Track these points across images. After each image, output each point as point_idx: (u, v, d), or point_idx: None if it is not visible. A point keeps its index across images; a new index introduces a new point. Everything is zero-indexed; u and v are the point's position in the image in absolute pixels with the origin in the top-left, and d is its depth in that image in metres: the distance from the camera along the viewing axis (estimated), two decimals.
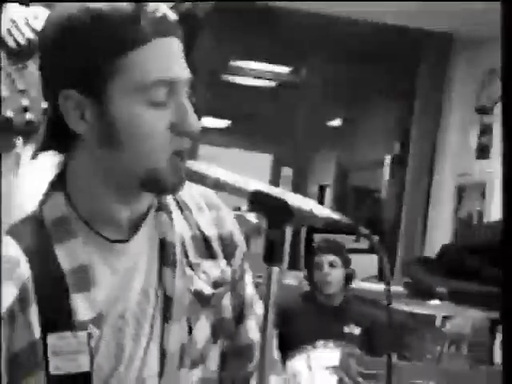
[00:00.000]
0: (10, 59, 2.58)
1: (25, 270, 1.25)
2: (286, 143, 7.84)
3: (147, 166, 1.25)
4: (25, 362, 1.25)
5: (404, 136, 6.71)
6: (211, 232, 1.46)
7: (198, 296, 1.41)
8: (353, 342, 3.94)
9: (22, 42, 2.54)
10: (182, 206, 1.44)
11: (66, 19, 1.23)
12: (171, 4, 2.60)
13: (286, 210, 1.23)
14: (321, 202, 10.67)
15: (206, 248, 1.45)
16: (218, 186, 1.30)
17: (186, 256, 1.41)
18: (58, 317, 1.26)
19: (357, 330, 4.07)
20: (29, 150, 2.54)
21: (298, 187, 7.54)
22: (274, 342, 1.56)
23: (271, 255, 1.21)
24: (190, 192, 1.43)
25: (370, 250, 6.69)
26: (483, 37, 5.82)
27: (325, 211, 1.25)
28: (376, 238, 1.28)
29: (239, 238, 1.52)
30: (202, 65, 5.52)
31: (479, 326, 4.16)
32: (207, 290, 1.42)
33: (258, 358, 1.38)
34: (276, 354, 1.62)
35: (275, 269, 1.21)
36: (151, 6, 1.24)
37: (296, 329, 4.01)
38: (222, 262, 1.47)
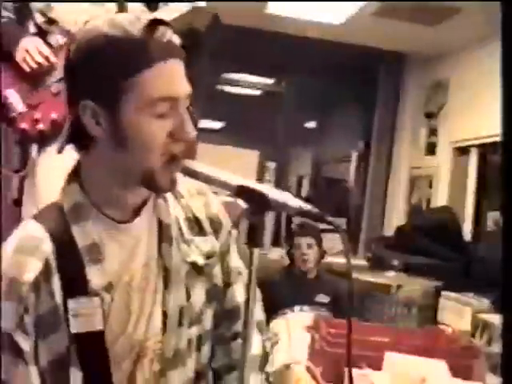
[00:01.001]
0: (26, 81, 2.60)
1: (48, 246, 1.30)
2: (270, 142, 7.85)
3: (145, 168, 1.28)
4: (48, 323, 1.28)
5: (367, 136, 6.73)
6: (201, 214, 1.50)
7: (193, 266, 1.44)
8: (324, 308, 3.98)
9: (34, 66, 2.55)
10: (176, 194, 1.47)
11: (86, 44, 1.26)
12: (174, 20, 2.61)
13: (265, 202, 1.24)
14: (299, 190, 10.68)
15: (197, 227, 1.48)
16: (208, 180, 1.32)
17: (181, 234, 1.44)
18: (75, 285, 1.29)
19: (326, 299, 4.11)
20: (44, 155, 2.56)
21: (281, 178, 7.58)
22: (259, 307, 1.63)
23: (253, 239, 1.23)
24: (183, 182, 1.42)
25: (338, 230, 6.73)
26: (430, 54, 5.85)
27: (297, 203, 1.25)
28: (339, 224, 1.29)
29: (224, 217, 1.55)
30: (200, 76, 5.53)
31: (426, 291, 4.20)
32: (200, 260, 1.46)
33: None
34: (260, 315, 1.65)
35: (256, 250, 1.23)
36: (159, 31, 1.25)
37: (277, 297, 4.02)
38: (211, 238, 1.50)
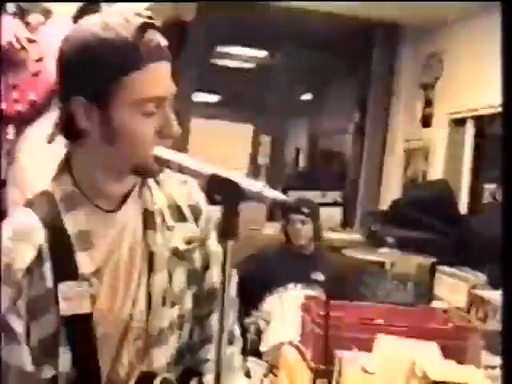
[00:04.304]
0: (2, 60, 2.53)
1: (41, 234, 1.38)
2: (265, 115, 7.80)
3: (136, 160, 1.37)
4: (40, 306, 1.37)
5: (362, 108, 6.65)
6: (182, 202, 1.57)
7: (175, 251, 1.52)
8: (319, 285, 3.91)
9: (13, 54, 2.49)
10: (159, 182, 1.55)
11: (81, 43, 1.33)
12: (160, 10, 2.56)
13: (239, 191, 1.22)
14: (296, 163, 10.62)
15: (178, 214, 1.56)
16: (181, 169, 1.34)
17: (164, 221, 1.52)
18: (66, 270, 1.38)
19: (322, 277, 4.03)
20: (25, 140, 2.50)
21: (276, 151, 7.57)
22: (233, 290, 1.59)
23: (226, 230, 1.19)
24: (166, 172, 1.46)
25: (335, 204, 6.69)
26: (425, 26, 5.76)
27: (272, 193, 1.24)
28: (313, 214, 1.27)
29: (203, 205, 1.61)
30: (194, 50, 5.45)
31: (421, 266, 4.16)
32: (181, 246, 1.54)
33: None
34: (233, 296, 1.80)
35: (230, 243, 1.19)
36: (149, 34, 1.33)
37: (272, 274, 3.99)
38: (192, 224, 1.58)
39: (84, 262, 1.39)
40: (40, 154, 2.43)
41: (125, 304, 1.45)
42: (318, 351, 2.33)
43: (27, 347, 1.38)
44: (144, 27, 1.33)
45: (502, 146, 1.63)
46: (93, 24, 1.35)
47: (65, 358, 1.39)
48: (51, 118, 2.51)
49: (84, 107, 1.34)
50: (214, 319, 1.62)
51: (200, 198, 1.60)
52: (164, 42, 1.36)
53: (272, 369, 3.23)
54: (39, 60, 2.47)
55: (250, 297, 3.80)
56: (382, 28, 6.13)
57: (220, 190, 1.24)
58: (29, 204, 1.44)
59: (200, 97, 8.66)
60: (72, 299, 1.37)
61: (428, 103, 5.73)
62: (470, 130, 5.35)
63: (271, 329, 3.62)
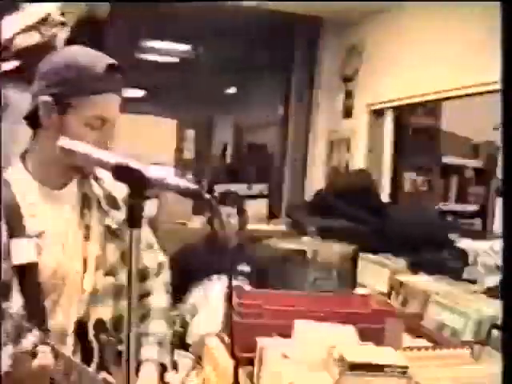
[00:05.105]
0: None
1: None
2: (190, 109, 7.75)
3: (74, 160, 1.64)
4: None
5: (286, 101, 6.68)
6: (118, 194, 1.95)
7: (108, 228, 1.91)
8: (243, 276, 3.94)
9: None
10: (97, 178, 1.94)
11: (62, 61, 1.76)
12: (73, 9, 2.54)
13: (143, 180, 1.28)
14: (223, 156, 10.63)
15: (113, 203, 1.95)
16: (86, 160, 1.52)
17: (100, 205, 1.92)
18: (17, 230, 1.75)
19: (247, 268, 4.06)
20: None
21: (202, 145, 7.55)
22: (167, 273, 2.22)
23: (131, 219, 1.20)
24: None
25: (260, 196, 6.72)
26: (345, 18, 5.83)
27: (177, 180, 1.32)
28: (213, 201, 1.30)
29: None
30: (117, 46, 5.37)
31: (344, 254, 4.22)
32: (113, 225, 1.92)
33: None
34: (168, 279, 2.23)
35: (136, 231, 1.20)
36: (114, 72, 1.76)
37: (197, 266, 3.98)
38: (124, 212, 1.85)
39: (31, 225, 1.77)
40: None
41: (62, 262, 1.81)
42: (239, 339, 2.35)
43: None
44: (112, 66, 1.74)
45: (502, 146, 1.68)
46: (76, 50, 1.81)
47: (17, 302, 1.72)
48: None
49: (48, 106, 1.74)
50: (150, 299, 2.06)
51: None
52: (120, 78, 1.77)
53: (199, 361, 3.23)
54: None
55: (175, 289, 3.78)
56: (304, 21, 6.15)
57: (125, 178, 1.29)
58: None
59: (127, 92, 8.55)
60: (22, 251, 1.73)
61: (349, 95, 5.81)
62: (389, 120, 5.45)
63: (197, 321, 3.62)
